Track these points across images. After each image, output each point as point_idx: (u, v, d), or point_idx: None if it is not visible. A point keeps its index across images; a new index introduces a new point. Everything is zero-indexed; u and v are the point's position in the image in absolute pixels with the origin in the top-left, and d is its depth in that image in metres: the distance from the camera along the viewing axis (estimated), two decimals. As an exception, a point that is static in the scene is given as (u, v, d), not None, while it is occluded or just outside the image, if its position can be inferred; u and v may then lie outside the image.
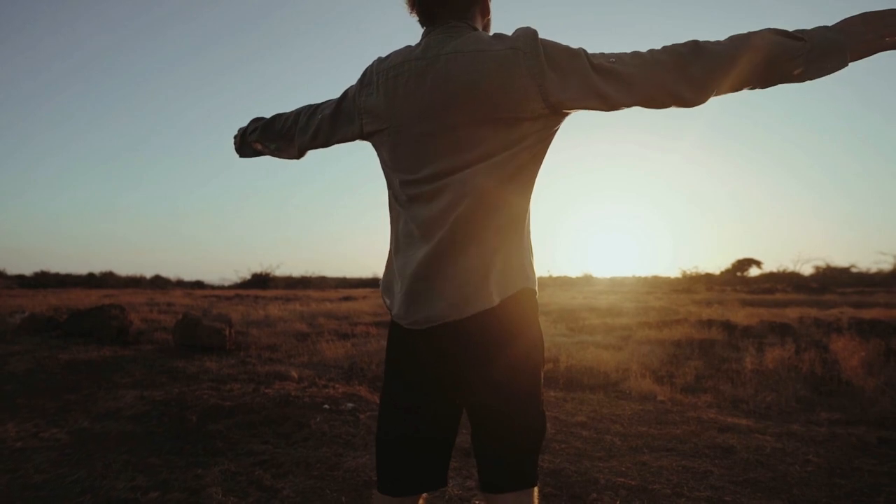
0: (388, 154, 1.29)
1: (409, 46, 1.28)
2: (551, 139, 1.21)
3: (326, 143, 1.46)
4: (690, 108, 1.12)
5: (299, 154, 1.53)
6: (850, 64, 1.05)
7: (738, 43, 1.07)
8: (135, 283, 39.00)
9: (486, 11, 1.32)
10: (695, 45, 1.09)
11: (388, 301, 1.31)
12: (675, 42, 1.11)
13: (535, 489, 1.20)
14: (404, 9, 1.32)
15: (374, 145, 1.34)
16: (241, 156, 1.71)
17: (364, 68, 1.35)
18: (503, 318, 1.17)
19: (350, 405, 4.11)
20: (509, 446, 1.20)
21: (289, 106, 1.64)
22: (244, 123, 1.69)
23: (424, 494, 1.31)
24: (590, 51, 1.15)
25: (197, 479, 2.78)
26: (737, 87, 1.10)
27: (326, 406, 4.05)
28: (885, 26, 1.03)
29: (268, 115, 1.62)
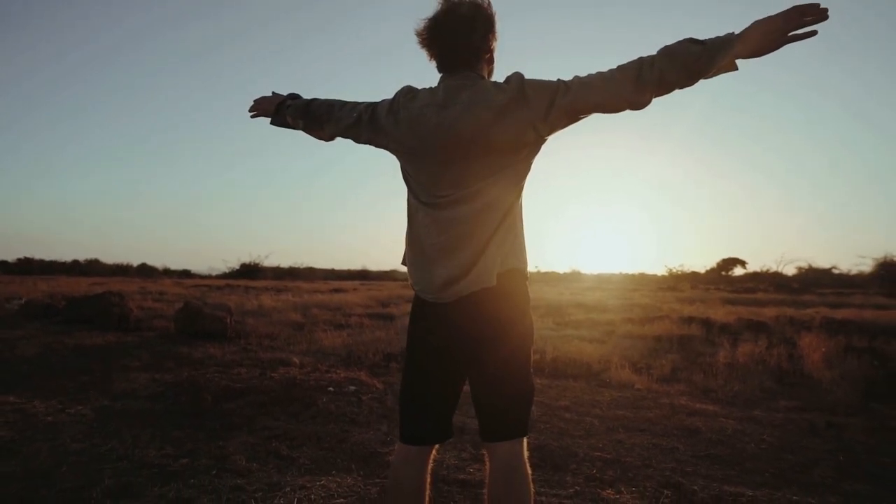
0: (411, 170, 1.62)
1: (431, 89, 1.61)
2: (540, 148, 1.57)
3: (357, 140, 1.77)
4: (639, 111, 1.46)
5: (329, 138, 1.84)
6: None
7: (666, 54, 1.41)
8: (122, 271, 38.87)
9: (491, 61, 1.66)
10: (640, 61, 1.43)
11: (413, 282, 1.63)
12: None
13: (525, 439, 1.55)
14: (424, 56, 1.65)
15: (398, 158, 1.67)
16: (272, 123, 1.96)
17: (395, 90, 1.67)
18: (499, 291, 1.51)
19: (352, 388, 4.45)
20: (504, 409, 1.54)
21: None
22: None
23: (437, 445, 1.65)
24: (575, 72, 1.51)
25: (220, 448, 3.10)
26: (671, 89, 1.44)
27: (330, 389, 4.39)
28: (785, 22, 1.31)
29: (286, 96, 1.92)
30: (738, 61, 1.40)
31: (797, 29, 1.32)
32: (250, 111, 2.01)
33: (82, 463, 2.89)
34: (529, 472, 1.51)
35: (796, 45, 1.37)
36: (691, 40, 1.39)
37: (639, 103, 1.44)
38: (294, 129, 1.91)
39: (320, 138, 1.86)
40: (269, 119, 1.97)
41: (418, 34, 1.61)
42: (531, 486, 1.50)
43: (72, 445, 3.14)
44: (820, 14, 1.30)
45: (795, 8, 1.30)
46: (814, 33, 1.32)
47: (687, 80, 1.40)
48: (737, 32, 1.36)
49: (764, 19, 1.34)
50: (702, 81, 1.43)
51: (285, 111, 1.89)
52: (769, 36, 1.32)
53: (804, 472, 2.98)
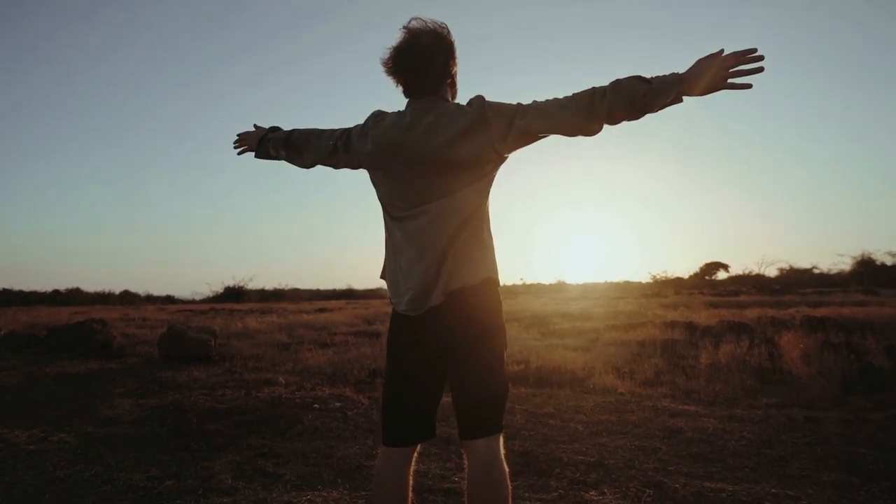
0: (382, 188, 1.69)
1: (399, 112, 1.68)
2: (502, 164, 1.65)
3: (335, 167, 1.87)
4: (591, 137, 1.54)
5: (310, 166, 1.92)
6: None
7: (615, 90, 1.49)
8: (103, 299, 38.25)
9: (453, 85, 1.75)
10: (592, 92, 1.51)
11: (391, 295, 1.68)
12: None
13: (501, 435, 1.60)
14: (390, 82, 1.72)
15: (370, 177, 1.74)
16: (256, 156, 2.04)
17: (365, 113, 1.76)
18: (474, 300, 1.57)
19: (338, 404, 4.45)
20: (480, 408, 1.59)
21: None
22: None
23: (418, 447, 1.69)
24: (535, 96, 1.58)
25: (206, 469, 3.09)
26: (619, 121, 1.52)
27: (316, 406, 4.39)
28: (719, 69, 1.41)
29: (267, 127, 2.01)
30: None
31: (736, 72, 1.41)
32: (235, 146, 2.10)
33: (66, 490, 2.87)
34: (506, 467, 1.56)
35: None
36: (639, 78, 1.48)
37: (590, 130, 1.53)
38: (277, 159, 2.01)
39: (301, 166, 1.96)
40: (253, 153, 2.06)
41: (384, 63, 1.69)
42: (508, 480, 1.55)
43: (55, 473, 3.11)
44: (756, 60, 1.40)
45: (735, 53, 1.41)
46: (749, 86, 1.43)
47: (633, 114, 1.50)
48: (681, 72, 1.45)
49: (706, 58, 1.44)
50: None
51: (267, 144, 1.98)
52: (711, 79, 1.42)
53: (783, 465, 3.05)
